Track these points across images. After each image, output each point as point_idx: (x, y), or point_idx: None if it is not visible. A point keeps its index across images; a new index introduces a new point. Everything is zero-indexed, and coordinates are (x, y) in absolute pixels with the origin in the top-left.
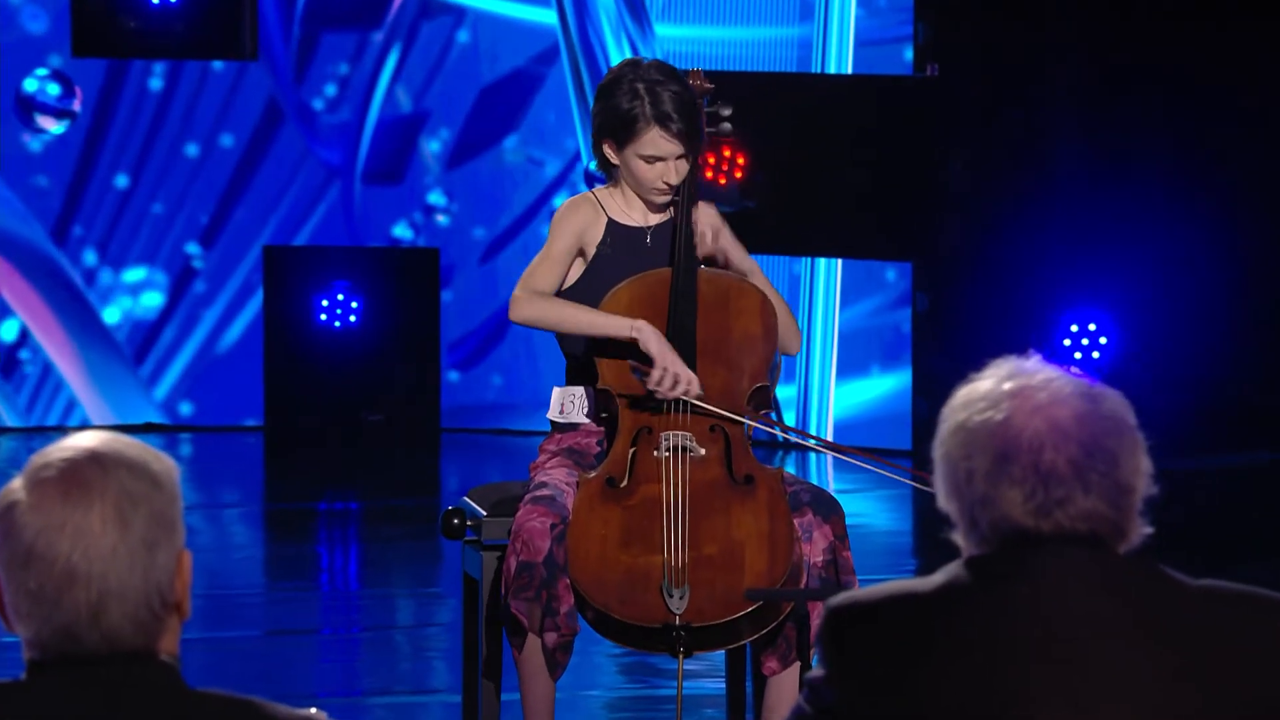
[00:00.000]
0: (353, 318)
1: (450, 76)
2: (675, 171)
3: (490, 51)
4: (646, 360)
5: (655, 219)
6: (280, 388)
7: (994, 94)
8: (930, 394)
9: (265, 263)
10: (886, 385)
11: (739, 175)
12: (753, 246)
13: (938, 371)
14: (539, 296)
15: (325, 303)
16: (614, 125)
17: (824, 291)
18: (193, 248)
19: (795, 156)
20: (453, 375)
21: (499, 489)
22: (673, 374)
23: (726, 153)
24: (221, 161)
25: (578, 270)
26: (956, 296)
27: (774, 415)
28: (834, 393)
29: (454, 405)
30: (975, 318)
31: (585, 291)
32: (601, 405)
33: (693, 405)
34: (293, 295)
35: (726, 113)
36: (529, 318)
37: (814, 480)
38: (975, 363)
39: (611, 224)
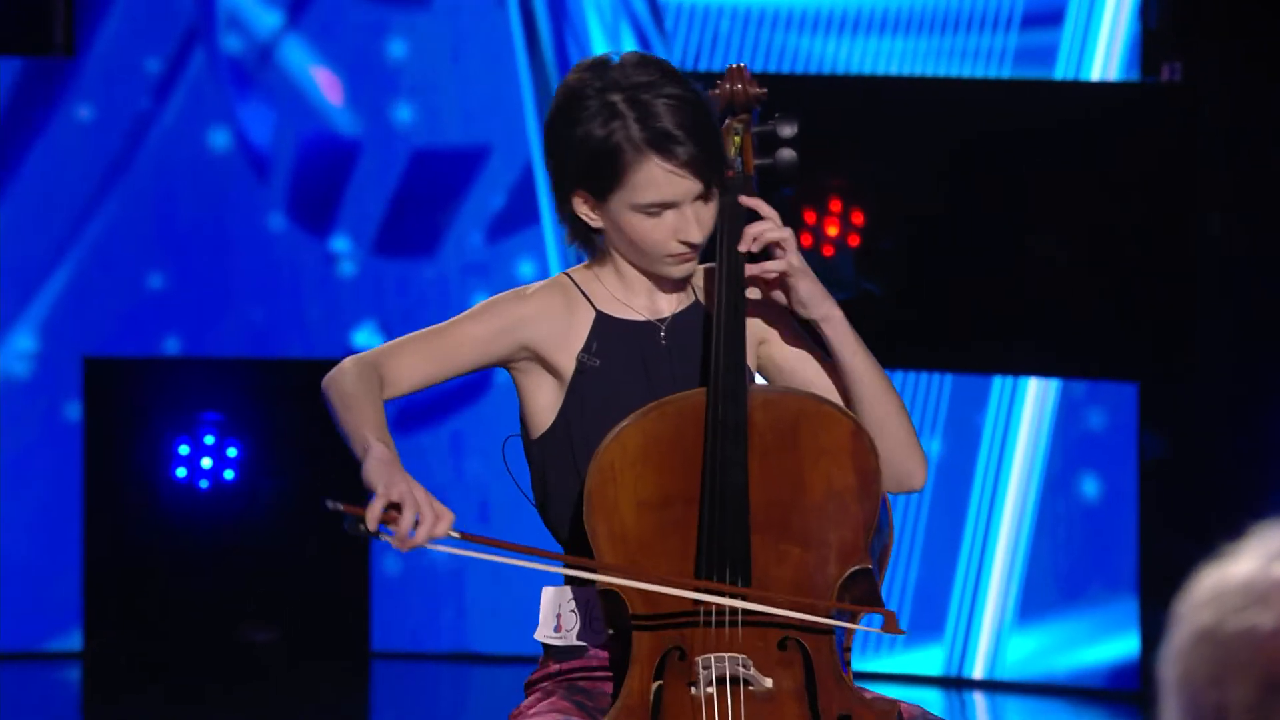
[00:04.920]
0: (229, 472)
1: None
2: (696, 221)
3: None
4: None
5: (671, 304)
6: (109, 590)
7: (1272, 111)
8: (1166, 595)
9: (86, 382)
10: (1091, 589)
11: (855, 242)
12: (875, 354)
13: (1179, 559)
14: (363, 373)
15: (184, 449)
16: (584, 168)
17: (986, 437)
18: None
19: (939, 212)
20: (390, 565)
21: None
22: (410, 512)
23: (835, 207)
24: (14, 219)
25: (552, 397)
26: (1212, 438)
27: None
28: (1010, 611)
29: (392, 614)
30: (1242, 472)
31: (568, 431)
32: (611, 615)
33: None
34: (131, 435)
35: (788, 132)
36: (327, 395)
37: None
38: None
39: (601, 320)
